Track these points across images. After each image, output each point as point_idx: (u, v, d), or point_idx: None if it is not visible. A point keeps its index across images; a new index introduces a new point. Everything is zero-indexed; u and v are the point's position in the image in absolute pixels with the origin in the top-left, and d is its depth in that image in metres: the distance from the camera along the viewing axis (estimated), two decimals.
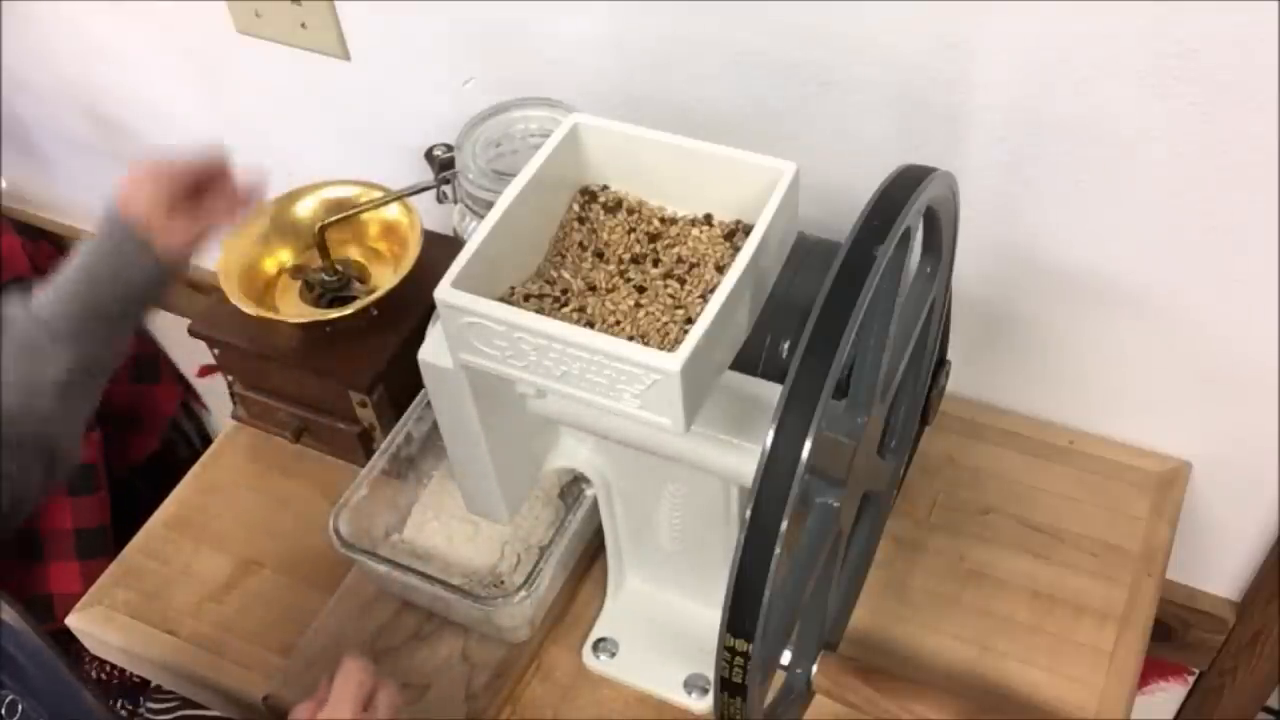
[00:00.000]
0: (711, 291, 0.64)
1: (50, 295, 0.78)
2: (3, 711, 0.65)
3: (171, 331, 1.65)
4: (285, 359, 1.00)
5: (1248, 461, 0.98)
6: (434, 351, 0.70)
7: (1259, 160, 0.79)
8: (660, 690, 0.88)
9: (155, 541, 1.04)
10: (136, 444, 1.67)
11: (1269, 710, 1.53)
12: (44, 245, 1.53)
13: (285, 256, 1.04)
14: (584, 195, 0.73)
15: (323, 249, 0.99)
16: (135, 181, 0.81)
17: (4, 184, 1.51)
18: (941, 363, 0.90)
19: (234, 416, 1.11)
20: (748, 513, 0.57)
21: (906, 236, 0.62)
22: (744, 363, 0.71)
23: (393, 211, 1.03)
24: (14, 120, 1.42)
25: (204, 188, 0.83)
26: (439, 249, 0.90)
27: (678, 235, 0.71)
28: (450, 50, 1.03)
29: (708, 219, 0.71)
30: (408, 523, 0.96)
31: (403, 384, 0.98)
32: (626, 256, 0.70)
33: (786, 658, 0.77)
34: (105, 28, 1.21)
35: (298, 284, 1.02)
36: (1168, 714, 1.31)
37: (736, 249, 0.68)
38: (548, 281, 0.70)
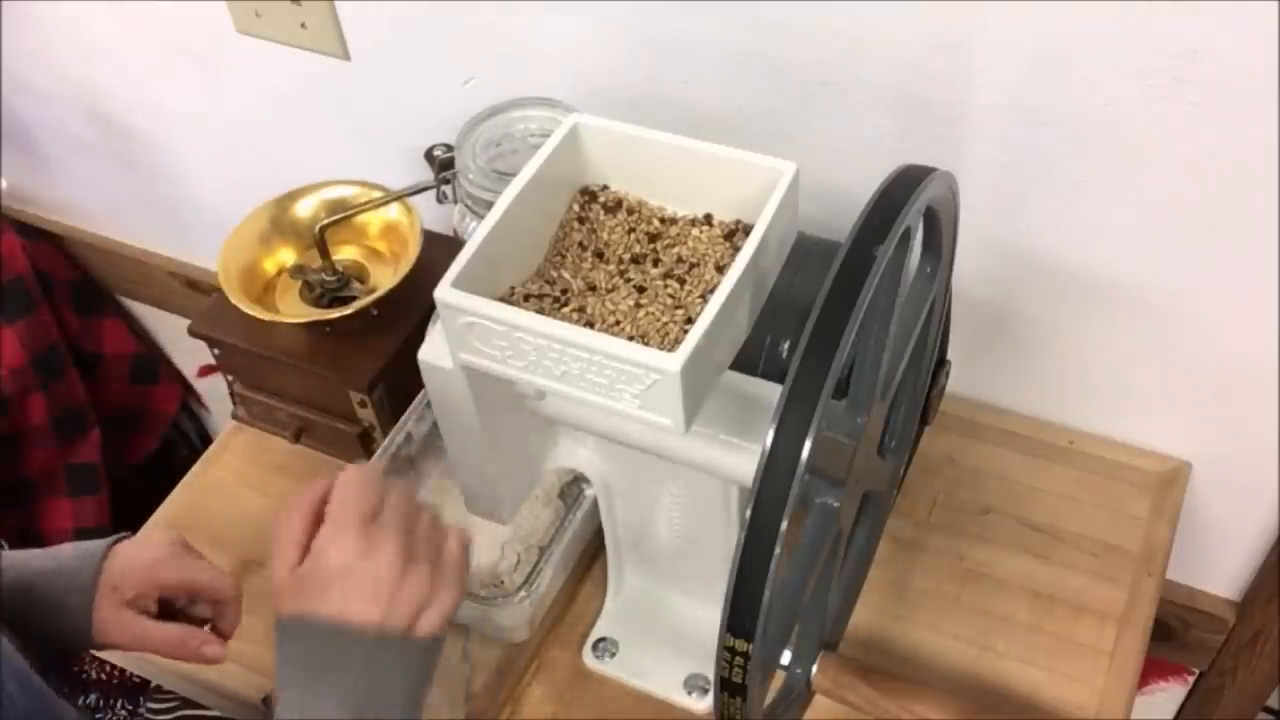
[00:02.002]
0: (711, 291, 0.64)
1: (6, 564, 0.77)
2: None
3: (171, 331, 1.66)
4: (285, 359, 1.00)
5: (1248, 461, 0.98)
6: (434, 351, 0.70)
7: (1259, 160, 0.79)
8: (660, 690, 0.88)
9: None
10: (136, 444, 1.67)
11: (1269, 710, 1.52)
12: (44, 245, 1.53)
13: (285, 256, 1.04)
14: (584, 195, 0.73)
15: (323, 249, 0.99)
16: (142, 548, 0.80)
17: (4, 184, 1.52)
18: (941, 363, 0.90)
19: (234, 416, 1.11)
20: (748, 513, 0.57)
21: (906, 236, 0.62)
22: (744, 363, 0.71)
23: (393, 211, 1.03)
24: (14, 120, 1.42)
25: (183, 605, 0.81)
26: (439, 249, 0.90)
27: (678, 235, 0.71)
28: (450, 50, 1.03)
29: (708, 219, 0.71)
30: None
31: (403, 384, 0.98)
32: (626, 256, 0.70)
33: (786, 658, 0.77)
34: (105, 28, 1.21)
35: (298, 284, 1.02)
36: (1168, 714, 1.31)
37: (736, 249, 0.68)
38: (548, 281, 0.70)
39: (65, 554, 0.79)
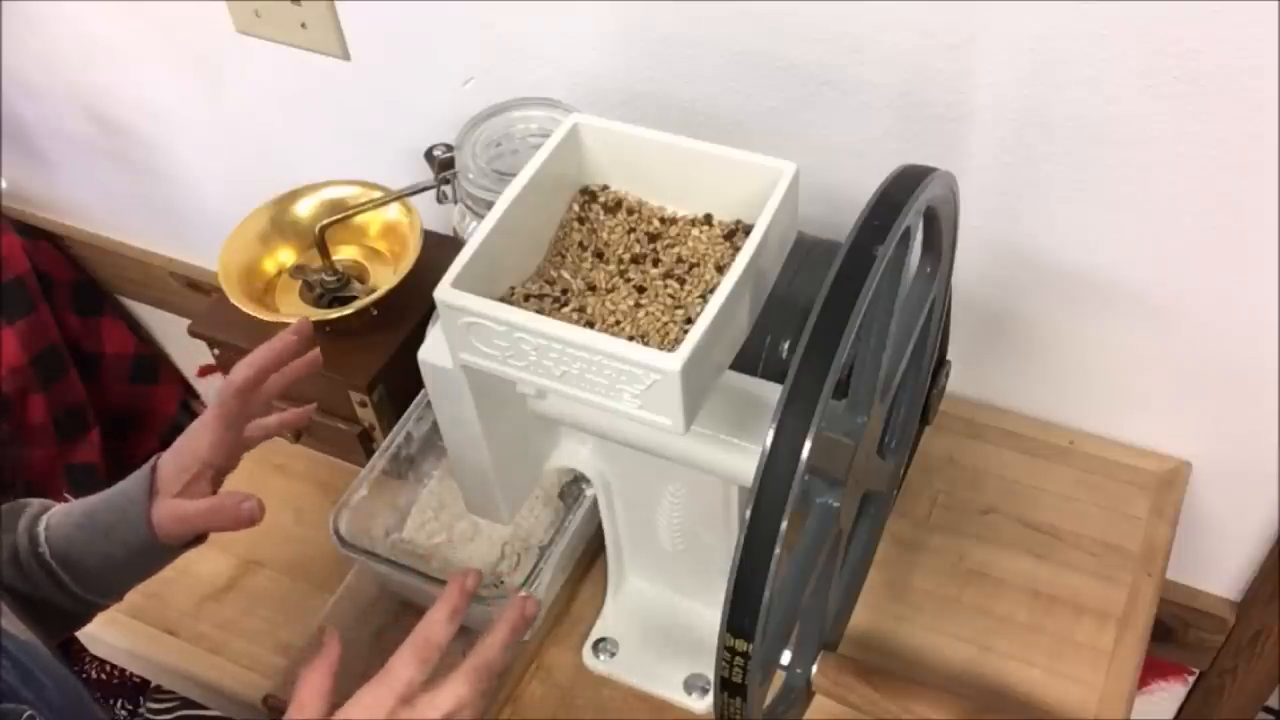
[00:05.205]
0: (711, 291, 0.64)
1: (59, 522, 0.80)
2: None
3: (171, 331, 1.66)
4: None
5: (1248, 461, 0.98)
6: (434, 351, 0.70)
7: (1259, 160, 0.79)
8: (660, 690, 0.88)
9: None
10: (136, 444, 1.67)
11: (1269, 710, 1.53)
12: (44, 245, 1.53)
13: (285, 256, 1.04)
14: (584, 195, 0.73)
15: (323, 249, 0.99)
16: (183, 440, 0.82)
17: (4, 184, 1.52)
18: (941, 363, 0.90)
19: None
20: (748, 513, 0.57)
21: (906, 236, 0.62)
22: (744, 363, 0.71)
23: (393, 211, 1.03)
24: (14, 120, 1.42)
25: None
26: (439, 249, 0.90)
27: (678, 235, 0.71)
28: (450, 50, 1.03)
29: (708, 219, 0.71)
30: (408, 523, 0.96)
31: (403, 384, 0.98)
32: (626, 256, 0.70)
33: (786, 658, 0.77)
34: (105, 28, 1.21)
35: (298, 284, 1.02)
36: (1168, 714, 1.31)
37: (736, 249, 0.68)
38: (548, 281, 0.70)
39: (118, 485, 0.82)
